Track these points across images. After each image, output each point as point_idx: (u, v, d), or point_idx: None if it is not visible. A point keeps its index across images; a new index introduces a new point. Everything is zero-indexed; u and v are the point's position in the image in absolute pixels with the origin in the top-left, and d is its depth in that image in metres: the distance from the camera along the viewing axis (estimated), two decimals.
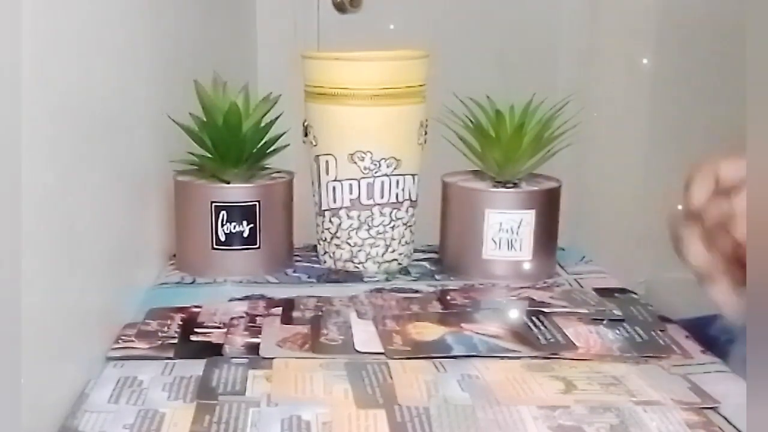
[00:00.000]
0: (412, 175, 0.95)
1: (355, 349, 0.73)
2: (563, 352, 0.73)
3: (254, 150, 0.93)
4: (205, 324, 0.79)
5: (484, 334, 0.77)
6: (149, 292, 0.88)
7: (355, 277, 0.94)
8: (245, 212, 0.91)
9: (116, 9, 0.81)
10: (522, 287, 0.90)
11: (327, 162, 0.94)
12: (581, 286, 0.92)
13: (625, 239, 2.02)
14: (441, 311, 0.83)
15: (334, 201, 0.94)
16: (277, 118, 0.93)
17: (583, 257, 1.02)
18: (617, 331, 0.78)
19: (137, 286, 0.88)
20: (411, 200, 0.96)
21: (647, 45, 2.00)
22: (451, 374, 0.68)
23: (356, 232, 0.94)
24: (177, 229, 0.95)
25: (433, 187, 0.97)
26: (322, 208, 0.95)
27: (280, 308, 0.83)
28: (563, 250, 1.00)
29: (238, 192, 0.92)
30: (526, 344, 0.74)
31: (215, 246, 0.92)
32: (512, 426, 0.60)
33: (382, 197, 0.93)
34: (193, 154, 0.93)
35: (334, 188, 0.94)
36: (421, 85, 0.94)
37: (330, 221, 0.95)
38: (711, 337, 1.01)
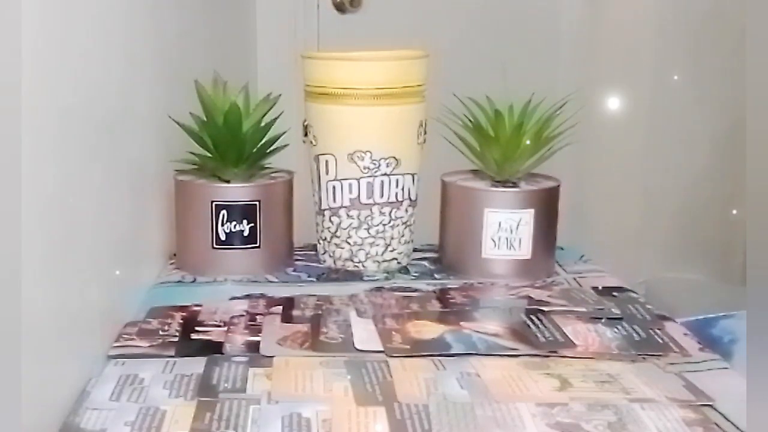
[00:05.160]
0: (412, 174, 0.95)
1: (354, 348, 0.74)
2: (562, 350, 0.74)
3: (254, 150, 0.93)
4: (205, 322, 0.79)
5: (483, 333, 0.77)
6: (150, 290, 0.89)
7: (355, 276, 0.94)
8: (245, 211, 0.92)
9: (117, 9, 0.81)
10: (521, 286, 0.90)
11: (327, 162, 0.94)
12: (580, 285, 0.92)
13: (625, 239, 2.02)
14: (440, 310, 0.84)
15: (334, 200, 0.94)
16: (277, 118, 0.94)
17: (582, 256, 1.02)
18: (615, 330, 0.78)
19: (138, 284, 0.88)
20: (410, 199, 0.96)
21: (647, 44, 2.00)
22: (451, 372, 0.69)
23: (356, 232, 0.95)
24: (177, 229, 0.95)
25: (432, 187, 0.98)
26: (322, 208, 0.96)
27: (281, 307, 0.83)
28: (562, 249, 1.00)
29: (238, 191, 0.92)
30: (525, 342, 0.75)
31: (215, 245, 0.92)
32: (510, 423, 0.60)
33: (382, 196, 0.94)
34: (193, 153, 0.93)
35: (333, 188, 0.94)
36: (420, 85, 0.94)
37: (330, 220, 0.95)
38: (714, 337, 1.02)
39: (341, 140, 0.93)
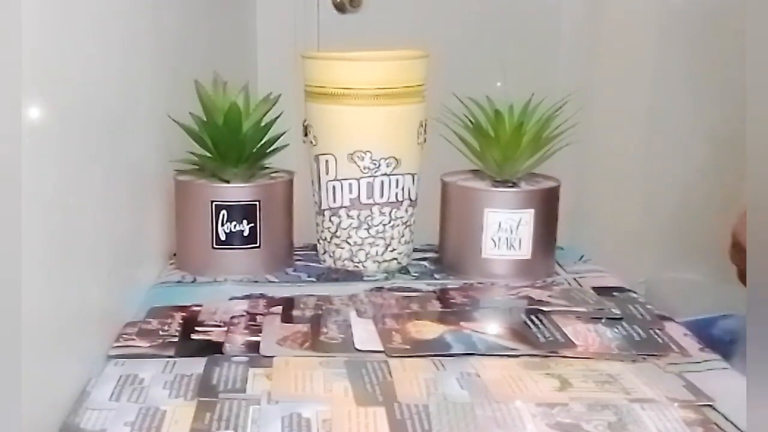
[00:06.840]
0: (412, 174, 0.95)
1: (354, 348, 0.74)
2: (562, 350, 0.74)
3: (254, 150, 0.93)
4: (205, 322, 0.79)
5: (483, 333, 0.77)
6: (150, 290, 0.89)
7: (355, 276, 0.94)
8: (245, 211, 0.92)
9: (117, 9, 0.81)
10: (521, 286, 0.90)
11: (327, 162, 0.94)
12: (580, 285, 0.92)
13: (625, 239, 2.02)
14: (440, 310, 0.84)
15: (334, 200, 0.94)
16: (277, 117, 0.94)
17: (582, 256, 1.02)
18: (615, 330, 0.78)
19: (138, 285, 0.88)
20: (410, 199, 0.96)
21: (647, 44, 2.00)
22: (451, 372, 0.69)
23: (356, 232, 0.95)
24: (177, 229, 0.95)
25: (432, 187, 0.98)
26: (322, 208, 0.96)
27: (281, 307, 0.83)
28: (562, 249, 1.00)
29: (238, 191, 0.92)
30: (525, 343, 0.75)
31: (215, 245, 0.92)
32: (510, 423, 0.60)
33: (382, 197, 0.94)
34: (193, 153, 0.93)
35: (333, 188, 0.94)
36: (420, 85, 0.94)
37: (330, 220, 0.95)
38: (714, 337, 1.02)
39: (341, 140, 0.93)
